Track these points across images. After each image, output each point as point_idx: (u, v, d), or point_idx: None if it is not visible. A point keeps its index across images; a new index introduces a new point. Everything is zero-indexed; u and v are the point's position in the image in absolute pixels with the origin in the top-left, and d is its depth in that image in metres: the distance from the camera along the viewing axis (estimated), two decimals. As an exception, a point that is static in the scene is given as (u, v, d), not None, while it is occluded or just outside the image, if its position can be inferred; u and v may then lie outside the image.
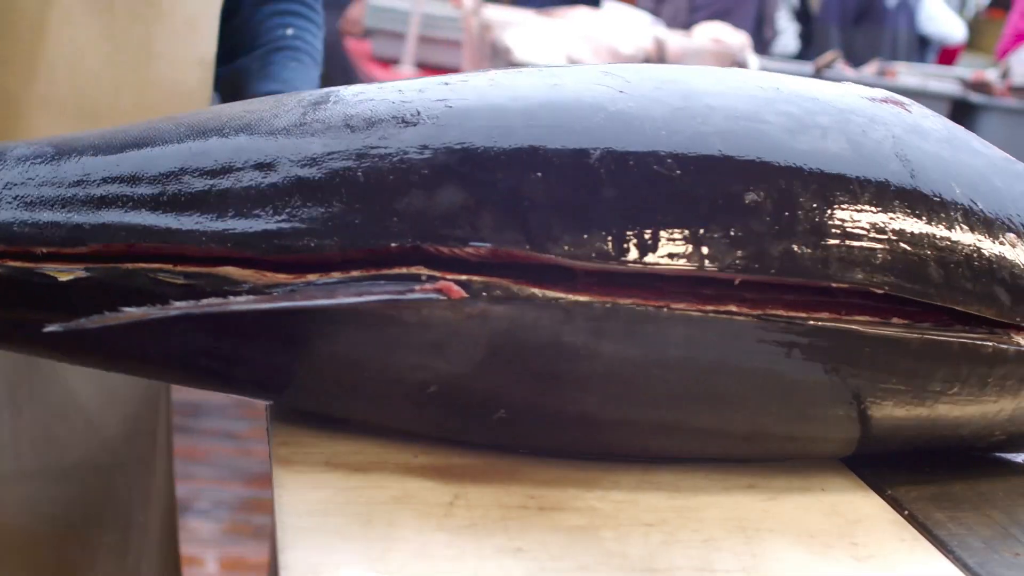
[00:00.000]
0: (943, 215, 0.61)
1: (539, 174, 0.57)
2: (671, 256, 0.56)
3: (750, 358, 0.59)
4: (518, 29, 2.60)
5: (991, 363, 0.63)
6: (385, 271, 0.56)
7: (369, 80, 2.86)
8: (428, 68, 3.02)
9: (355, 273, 0.57)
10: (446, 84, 0.64)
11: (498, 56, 2.54)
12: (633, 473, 0.64)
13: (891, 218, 0.60)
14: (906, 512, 0.63)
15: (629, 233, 0.56)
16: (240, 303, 0.56)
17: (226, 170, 0.60)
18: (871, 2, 4.08)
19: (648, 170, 0.58)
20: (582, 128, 0.59)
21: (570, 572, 0.55)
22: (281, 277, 0.57)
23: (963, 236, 0.61)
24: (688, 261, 0.57)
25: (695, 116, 0.61)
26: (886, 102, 0.67)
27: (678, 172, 0.58)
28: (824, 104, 0.64)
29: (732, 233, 0.57)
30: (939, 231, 0.61)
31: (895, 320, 0.60)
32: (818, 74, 2.68)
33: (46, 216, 0.60)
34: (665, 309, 0.57)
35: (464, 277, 0.56)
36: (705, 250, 0.57)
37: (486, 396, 0.60)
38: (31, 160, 0.63)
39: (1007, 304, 0.62)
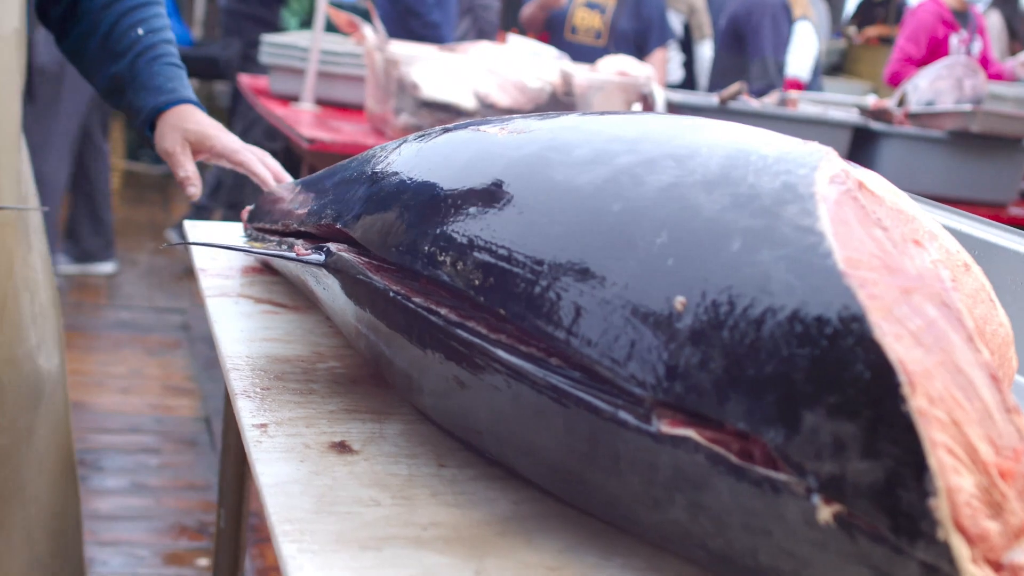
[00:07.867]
0: None
1: None
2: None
3: None
4: (424, 65, 2.57)
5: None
6: None
7: (269, 115, 2.80)
8: (328, 105, 2.98)
9: None
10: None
11: (405, 92, 2.51)
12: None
13: None
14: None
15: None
16: None
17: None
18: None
19: None
20: None
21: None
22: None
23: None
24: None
25: None
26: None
27: None
28: None
29: None
30: None
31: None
32: (723, 105, 2.71)
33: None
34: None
35: None
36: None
37: None
38: None
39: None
